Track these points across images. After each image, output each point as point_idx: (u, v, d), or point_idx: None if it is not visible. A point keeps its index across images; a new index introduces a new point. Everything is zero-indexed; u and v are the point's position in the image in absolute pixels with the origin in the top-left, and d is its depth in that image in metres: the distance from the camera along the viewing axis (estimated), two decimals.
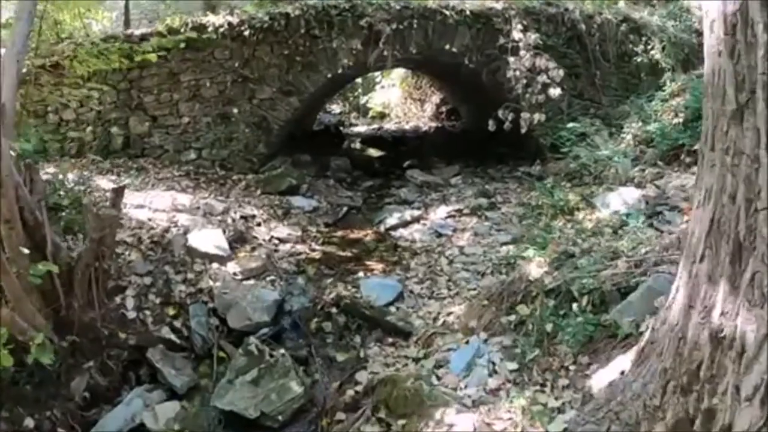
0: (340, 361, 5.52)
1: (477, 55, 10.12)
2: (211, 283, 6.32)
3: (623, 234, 6.06)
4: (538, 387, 4.36)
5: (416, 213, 9.05)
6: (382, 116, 19.53)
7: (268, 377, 5.03)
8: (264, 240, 7.59)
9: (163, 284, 6.13)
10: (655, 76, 10.30)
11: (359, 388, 4.91)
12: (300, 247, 7.72)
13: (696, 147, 7.51)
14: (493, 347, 4.92)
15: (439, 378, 4.76)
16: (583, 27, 10.34)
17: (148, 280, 6.09)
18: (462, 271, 6.82)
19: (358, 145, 15.43)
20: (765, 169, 2.58)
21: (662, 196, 7.04)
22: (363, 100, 19.91)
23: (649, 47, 10.50)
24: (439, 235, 8.06)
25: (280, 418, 4.82)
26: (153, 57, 8.72)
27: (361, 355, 5.53)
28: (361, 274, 7.00)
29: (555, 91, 8.11)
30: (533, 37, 8.86)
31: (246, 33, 9.51)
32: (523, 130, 7.97)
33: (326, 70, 9.84)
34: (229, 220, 7.64)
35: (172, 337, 5.72)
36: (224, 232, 7.16)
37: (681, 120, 8.56)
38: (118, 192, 5.57)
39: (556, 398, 4.17)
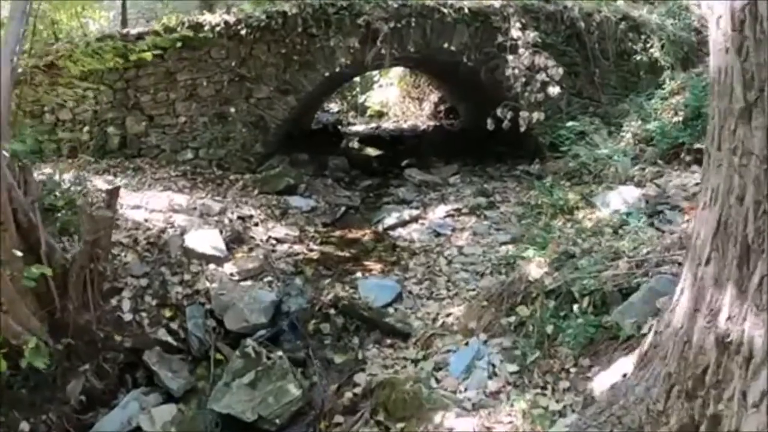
0: (339, 363, 5.46)
1: (475, 53, 10.07)
2: (207, 284, 6.26)
3: (624, 234, 6.01)
4: (538, 390, 4.33)
5: (415, 212, 8.99)
6: (380, 115, 19.49)
7: (266, 380, 4.98)
8: (261, 240, 7.53)
9: (160, 286, 6.08)
10: (655, 74, 10.25)
11: (358, 390, 4.86)
12: (298, 248, 7.66)
13: (697, 145, 7.55)
14: (492, 349, 4.89)
15: (438, 380, 4.72)
16: (582, 25, 10.28)
17: (144, 282, 6.03)
18: (461, 271, 6.77)
19: (356, 145, 15.37)
20: None
21: (663, 195, 6.99)
22: (361, 99, 19.87)
23: (649, 45, 10.45)
24: (438, 235, 8.01)
25: (277, 421, 4.78)
26: (148, 56, 8.68)
27: (360, 356, 5.47)
28: (359, 274, 6.95)
29: (554, 90, 8.07)
30: (532, 35, 8.83)
31: (243, 32, 9.45)
32: (522, 129, 7.94)
33: (324, 68, 9.79)
34: (226, 221, 7.58)
35: (169, 339, 5.66)
36: (221, 232, 7.10)
37: (681, 118, 8.51)
38: (113, 193, 5.51)
39: (557, 401, 4.13)
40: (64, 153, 9.35)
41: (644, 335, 3.91)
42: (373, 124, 18.42)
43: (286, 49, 9.59)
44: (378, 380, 4.74)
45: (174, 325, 5.79)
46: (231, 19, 9.54)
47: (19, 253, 4.52)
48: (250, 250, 7.19)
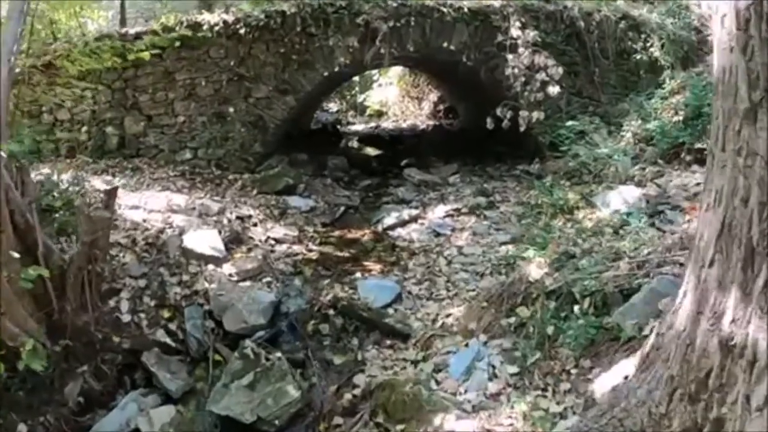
0: (338, 364, 5.44)
1: (475, 52, 10.05)
2: (206, 284, 6.24)
3: (624, 234, 5.99)
4: (539, 391, 4.31)
5: (414, 212, 8.96)
6: (380, 115, 19.46)
7: (264, 381, 4.96)
8: (260, 240, 7.51)
9: (158, 286, 6.06)
10: (655, 73, 10.23)
11: (357, 391, 4.86)
12: (297, 248, 7.63)
13: (697, 145, 7.53)
14: (493, 350, 4.87)
15: (438, 382, 4.70)
16: (582, 24, 10.27)
17: (142, 283, 6.01)
18: (461, 271, 6.74)
19: (355, 144, 15.34)
20: None
21: (663, 195, 6.97)
22: (360, 98, 19.86)
23: (648, 44, 10.44)
24: (438, 235, 7.98)
25: (276, 423, 4.75)
26: (146, 55, 8.64)
27: (359, 357, 5.45)
28: (358, 274, 6.92)
29: (554, 89, 8.06)
30: (532, 34, 8.81)
31: (242, 31, 9.42)
32: (522, 129, 7.92)
33: (323, 68, 9.77)
34: (225, 221, 7.55)
35: (167, 340, 5.64)
36: (220, 232, 7.07)
37: (681, 118, 8.49)
38: (111, 193, 5.48)
39: (558, 403, 4.11)
40: (62, 153, 9.31)
41: (646, 337, 3.89)
42: (373, 124, 18.40)
43: (284, 48, 9.57)
44: (377, 382, 4.73)
45: (172, 326, 5.78)
46: (230, 18, 9.52)
47: (16, 255, 4.50)
48: (249, 250, 7.16)
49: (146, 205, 7.31)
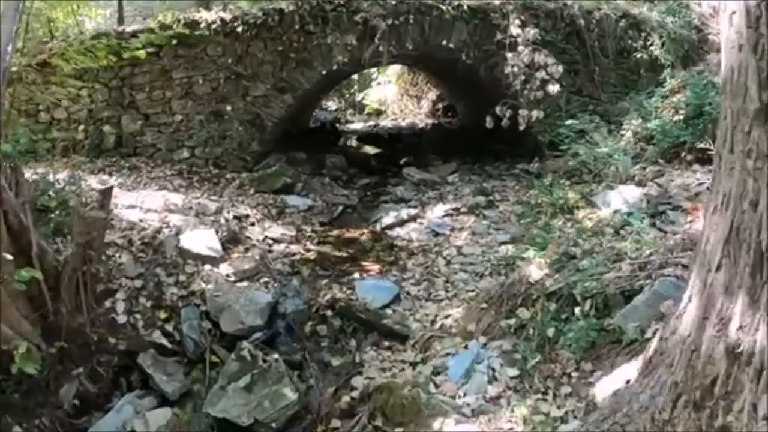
0: (336, 366, 5.39)
1: (474, 50, 10.00)
2: (203, 285, 6.18)
3: (626, 234, 5.94)
4: (539, 395, 4.26)
5: (413, 212, 8.92)
6: (378, 113, 19.40)
7: (262, 383, 4.92)
8: (258, 240, 7.45)
9: (155, 287, 6.00)
10: (655, 72, 10.21)
11: (355, 394, 4.80)
12: (294, 248, 7.58)
13: (699, 145, 7.48)
14: (492, 352, 4.82)
15: (437, 385, 4.65)
16: (582, 22, 10.23)
17: (138, 283, 5.96)
18: (460, 272, 6.69)
19: (354, 143, 15.27)
20: None
21: (664, 195, 6.93)
22: (359, 96, 19.80)
23: (649, 43, 10.41)
24: (437, 235, 7.94)
25: (273, 425, 4.71)
26: (142, 53, 8.56)
27: (357, 359, 5.39)
28: (356, 275, 6.86)
29: (553, 88, 8.00)
30: (531, 32, 8.74)
31: (239, 29, 9.36)
32: (521, 127, 7.87)
33: (321, 66, 9.71)
34: (222, 220, 7.50)
35: (164, 341, 5.59)
36: (217, 232, 7.01)
37: (682, 117, 8.47)
38: (106, 193, 5.42)
39: (559, 407, 4.07)
40: (58, 152, 9.25)
41: (648, 340, 3.85)
42: (371, 122, 18.34)
43: (282, 46, 9.51)
44: (376, 384, 4.67)
45: (169, 327, 5.73)
46: (227, 16, 9.46)
47: (10, 256, 4.45)
48: (246, 250, 7.11)
49: (143, 204, 7.25)
